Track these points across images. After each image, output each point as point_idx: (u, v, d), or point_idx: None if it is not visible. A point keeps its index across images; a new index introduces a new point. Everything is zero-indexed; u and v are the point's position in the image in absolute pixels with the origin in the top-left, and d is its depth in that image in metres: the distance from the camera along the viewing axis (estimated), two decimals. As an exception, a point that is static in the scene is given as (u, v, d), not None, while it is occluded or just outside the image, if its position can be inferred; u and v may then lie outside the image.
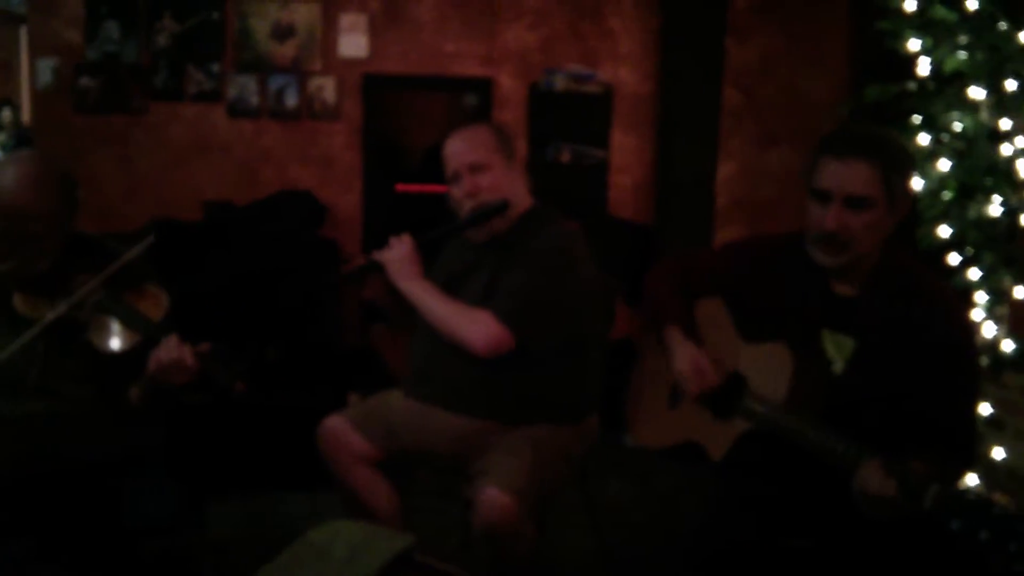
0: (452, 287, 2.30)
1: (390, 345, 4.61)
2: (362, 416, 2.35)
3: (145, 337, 1.95)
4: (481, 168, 2.28)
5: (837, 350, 1.90)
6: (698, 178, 4.78)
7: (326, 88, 4.64)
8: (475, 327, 2.17)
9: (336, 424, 2.32)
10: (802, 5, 4.94)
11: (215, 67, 4.56)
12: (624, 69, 4.90)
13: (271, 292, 3.96)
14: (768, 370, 1.90)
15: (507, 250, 2.27)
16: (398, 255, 2.26)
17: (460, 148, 2.31)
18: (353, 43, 4.66)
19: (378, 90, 4.69)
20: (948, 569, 1.80)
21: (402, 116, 4.94)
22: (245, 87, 4.59)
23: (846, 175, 1.79)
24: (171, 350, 1.89)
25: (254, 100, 4.60)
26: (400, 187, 4.83)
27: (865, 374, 1.85)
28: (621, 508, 3.34)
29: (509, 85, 4.83)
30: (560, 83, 4.74)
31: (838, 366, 1.89)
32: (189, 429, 3.17)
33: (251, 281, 3.98)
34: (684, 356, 1.98)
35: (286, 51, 4.59)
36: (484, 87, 4.80)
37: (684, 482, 3.39)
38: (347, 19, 4.65)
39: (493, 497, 2.01)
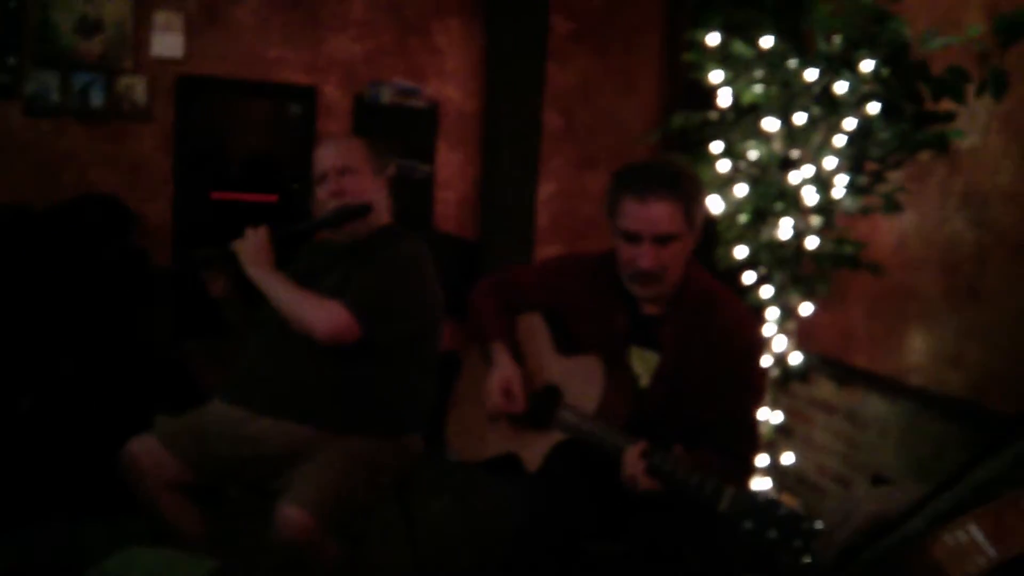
0: (305, 284, 2.26)
1: (203, 362, 4.41)
2: (172, 432, 2.24)
3: None
4: (349, 171, 2.31)
5: (643, 365, 2.00)
6: (520, 196, 4.90)
7: (136, 88, 4.39)
8: (322, 312, 2.16)
9: (142, 446, 2.20)
10: (617, 35, 5.20)
11: (11, 60, 4.21)
12: (450, 86, 4.96)
13: (69, 302, 3.69)
14: (581, 382, 1.98)
15: (363, 255, 2.28)
16: (251, 244, 2.24)
17: (331, 151, 2.35)
18: (167, 42, 4.44)
19: (194, 93, 4.49)
20: (747, 566, 1.93)
21: (220, 121, 4.76)
22: (45, 83, 4.26)
23: (651, 217, 1.88)
24: None
25: (55, 97, 4.28)
26: (216, 195, 4.64)
27: (667, 387, 1.97)
28: (440, 523, 3.35)
29: (333, 95, 4.76)
30: (386, 96, 4.73)
31: (644, 380, 1.99)
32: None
33: (48, 290, 3.69)
34: (500, 377, 2.03)
35: (92, 47, 4.31)
36: (308, 95, 4.70)
37: (504, 497, 3.45)
38: (161, 17, 4.43)
39: (289, 515, 2.00)
